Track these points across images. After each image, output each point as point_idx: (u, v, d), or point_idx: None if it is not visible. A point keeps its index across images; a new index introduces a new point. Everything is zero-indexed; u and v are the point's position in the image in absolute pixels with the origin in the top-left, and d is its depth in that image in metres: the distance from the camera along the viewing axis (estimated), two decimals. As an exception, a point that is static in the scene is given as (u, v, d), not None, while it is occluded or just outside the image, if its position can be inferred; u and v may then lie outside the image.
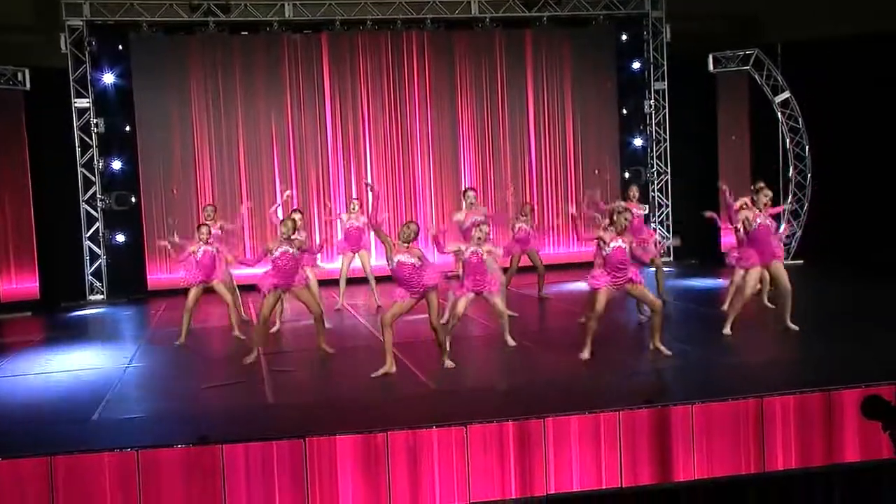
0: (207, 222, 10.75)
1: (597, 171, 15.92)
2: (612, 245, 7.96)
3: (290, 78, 15.12)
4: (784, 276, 8.76)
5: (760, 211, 8.73)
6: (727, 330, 8.82)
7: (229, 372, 8.52)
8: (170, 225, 10.92)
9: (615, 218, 8.03)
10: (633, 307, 10.01)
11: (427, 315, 8.01)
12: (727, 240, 15.24)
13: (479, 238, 8.60)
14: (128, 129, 14.56)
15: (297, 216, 10.11)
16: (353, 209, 11.98)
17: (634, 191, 11.35)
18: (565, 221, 15.57)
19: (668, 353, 7.99)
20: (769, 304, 10.05)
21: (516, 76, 15.79)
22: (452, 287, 8.78)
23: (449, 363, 8.07)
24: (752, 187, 9.57)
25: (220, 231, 10.98)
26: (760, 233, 8.67)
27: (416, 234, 7.85)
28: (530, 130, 15.98)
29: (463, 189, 11.80)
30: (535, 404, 6.66)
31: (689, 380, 7.33)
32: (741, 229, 9.07)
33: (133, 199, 14.55)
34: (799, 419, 6.42)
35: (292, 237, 8.83)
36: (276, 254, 8.57)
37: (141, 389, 8.21)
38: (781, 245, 9.09)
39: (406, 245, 7.80)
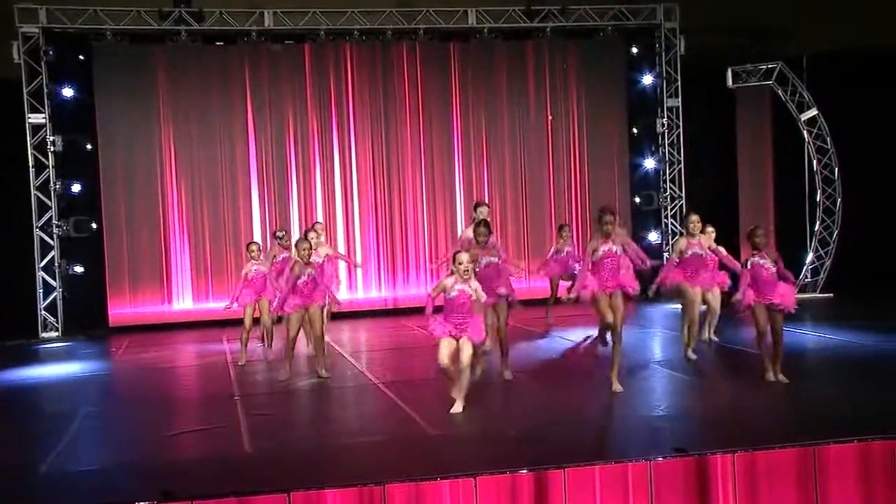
0: (283, 245, 11.27)
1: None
2: (601, 249, 7.96)
3: (270, 92, 14.88)
4: (708, 299, 9.50)
5: (694, 237, 9.36)
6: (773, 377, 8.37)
7: (200, 416, 8.15)
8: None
9: (598, 226, 8.06)
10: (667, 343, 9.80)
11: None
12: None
13: (467, 272, 7.57)
14: (89, 147, 14.24)
15: (312, 234, 10.34)
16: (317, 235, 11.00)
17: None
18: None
19: (620, 388, 7.98)
20: (714, 338, 10.38)
21: (517, 91, 15.59)
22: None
23: (508, 374, 8.71)
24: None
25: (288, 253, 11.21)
26: (691, 261, 9.33)
27: (490, 231, 8.59)
28: (531, 150, 15.70)
29: (474, 203, 11.41)
30: (553, 452, 6.30)
31: (727, 425, 6.92)
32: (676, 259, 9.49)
33: (94, 226, 14.22)
34: (860, 469, 6.03)
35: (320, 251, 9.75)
36: (304, 278, 9.09)
37: (98, 437, 7.78)
38: (716, 275, 9.61)
39: (484, 246, 8.41)
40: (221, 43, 14.76)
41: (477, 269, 8.15)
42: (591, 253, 8.00)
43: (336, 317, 11.94)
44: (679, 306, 9.95)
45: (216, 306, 14.58)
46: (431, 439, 7.03)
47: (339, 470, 6.20)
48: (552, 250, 12.43)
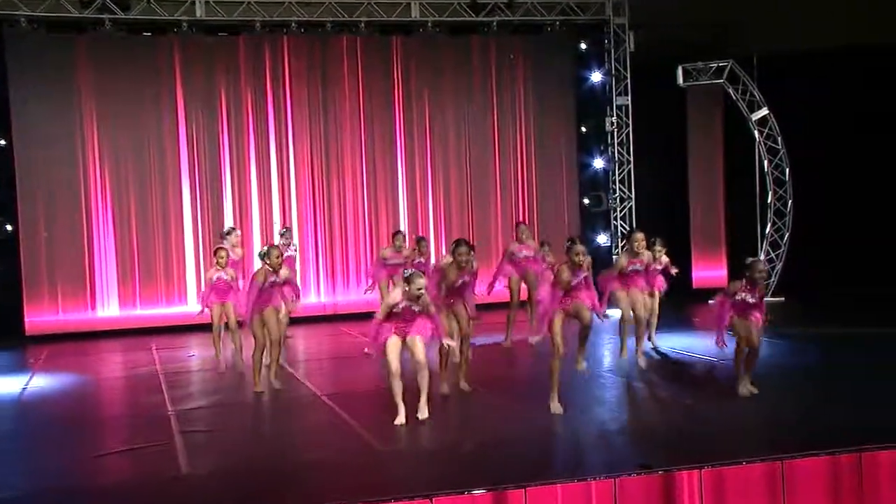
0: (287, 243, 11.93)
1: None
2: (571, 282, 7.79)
3: (203, 87, 14.47)
4: (636, 306, 9.51)
5: (637, 256, 9.53)
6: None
7: (130, 434, 7.79)
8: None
9: (572, 257, 7.80)
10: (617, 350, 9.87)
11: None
12: (703, 274, 15.17)
13: (419, 297, 7.51)
14: (2, 143, 13.67)
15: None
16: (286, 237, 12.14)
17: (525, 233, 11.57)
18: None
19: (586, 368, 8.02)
20: (652, 343, 10.63)
21: (463, 87, 15.47)
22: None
23: (465, 386, 8.68)
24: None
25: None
26: (630, 275, 9.55)
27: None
28: (477, 148, 15.58)
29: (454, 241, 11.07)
30: (513, 469, 6.19)
31: (695, 439, 6.86)
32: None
33: (8, 228, 13.66)
34: (828, 484, 6.02)
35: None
36: (267, 284, 8.91)
37: (15, 461, 7.36)
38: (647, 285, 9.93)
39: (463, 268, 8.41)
40: (150, 34, 14.32)
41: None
42: (564, 283, 7.72)
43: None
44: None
45: (144, 313, 14.26)
46: (381, 456, 6.87)
47: (283, 491, 6.00)
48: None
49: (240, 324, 10.07)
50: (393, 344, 7.49)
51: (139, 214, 14.26)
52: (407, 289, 7.45)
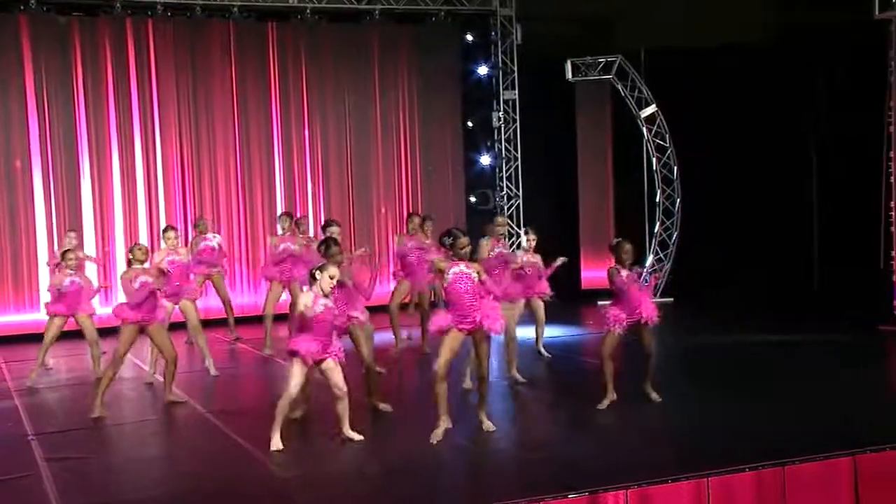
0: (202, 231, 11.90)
1: (430, 168, 15.60)
2: (451, 272, 7.13)
3: (56, 71, 13.59)
4: (512, 321, 9.06)
5: (499, 241, 9.72)
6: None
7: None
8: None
9: (457, 252, 7.19)
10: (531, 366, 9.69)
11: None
12: (592, 274, 15.30)
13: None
14: None
15: (171, 233, 10.27)
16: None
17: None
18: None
19: (492, 428, 7.31)
20: (543, 351, 10.56)
21: (344, 78, 15.13)
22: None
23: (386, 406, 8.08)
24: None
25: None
26: (496, 262, 9.27)
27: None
28: (358, 143, 15.28)
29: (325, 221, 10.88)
30: (424, 493, 6.02)
31: (621, 457, 6.75)
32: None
33: None
34: (754, 499, 6.06)
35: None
36: (136, 285, 8.38)
37: None
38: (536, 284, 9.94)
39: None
40: (-6, 11, 13.40)
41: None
42: (438, 269, 7.22)
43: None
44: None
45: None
46: (281, 483, 6.53)
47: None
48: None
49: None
50: (299, 369, 7.04)
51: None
52: (319, 279, 6.90)
